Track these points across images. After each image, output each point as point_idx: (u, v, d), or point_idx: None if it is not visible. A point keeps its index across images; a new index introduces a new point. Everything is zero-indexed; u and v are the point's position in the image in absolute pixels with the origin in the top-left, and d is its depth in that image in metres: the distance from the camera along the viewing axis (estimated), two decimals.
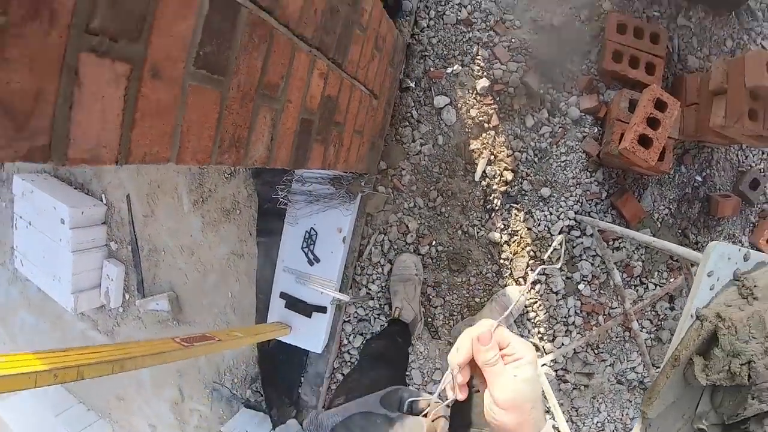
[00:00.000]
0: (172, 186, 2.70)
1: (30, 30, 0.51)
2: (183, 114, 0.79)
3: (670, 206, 2.18)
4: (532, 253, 2.13)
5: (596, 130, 2.12)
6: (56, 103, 0.56)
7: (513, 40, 2.14)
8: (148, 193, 2.77)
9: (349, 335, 2.30)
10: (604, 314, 2.20)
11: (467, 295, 2.21)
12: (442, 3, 2.17)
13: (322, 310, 2.09)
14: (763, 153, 2.24)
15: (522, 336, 2.06)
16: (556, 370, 2.23)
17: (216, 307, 2.59)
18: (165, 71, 0.72)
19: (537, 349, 2.19)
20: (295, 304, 2.12)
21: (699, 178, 2.19)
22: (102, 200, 2.95)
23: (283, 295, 2.15)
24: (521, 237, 2.14)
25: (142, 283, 2.85)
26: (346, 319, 2.29)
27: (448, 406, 0.86)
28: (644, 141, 1.77)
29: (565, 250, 2.10)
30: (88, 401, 3.22)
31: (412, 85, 2.15)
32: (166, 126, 0.76)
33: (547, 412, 1.98)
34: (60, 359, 1.10)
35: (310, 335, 2.14)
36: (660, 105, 1.79)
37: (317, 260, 2.09)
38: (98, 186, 2.99)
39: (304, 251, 2.10)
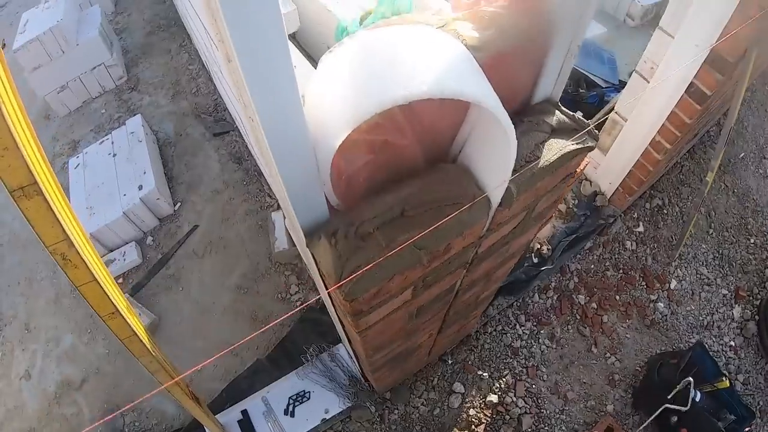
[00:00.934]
0: (235, 259, 3.02)
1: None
2: (394, 321, 1.23)
3: None
4: None
5: None
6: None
7: (534, 386, 2.60)
8: (213, 242, 3.09)
9: None
10: None
11: None
12: (510, 326, 2.67)
13: None
14: None
15: None
16: None
17: (178, 364, 2.71)
18: (398, 301, 1.13)
19: None
20: (246, 426, 2.39)
21: None
22: (174, 206, 3.25)
23: (244, 413, 2.42)
24: None
25: (140, 287, 3.01)
26: None
27: None
28: None
29: None
30: None
31: (449, 361, 2.58)
32: (386, 318, 1.16)
33: None
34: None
35: None
36: None
37: (292, 415, 2.40)
38: (183, 193, 3.31)
39: (290, 400, 2.42)
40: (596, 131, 1.05)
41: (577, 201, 2.94)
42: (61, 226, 0.78)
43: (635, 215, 3.07)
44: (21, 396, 2.83)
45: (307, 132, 0.69)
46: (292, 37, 1.69)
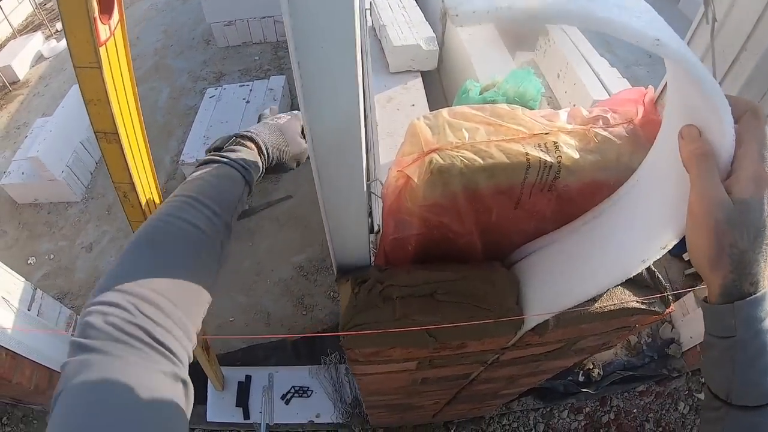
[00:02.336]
0: (309, 242, 3.10)
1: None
2: (394, 379, 1.19)
3: None
4: None
5: None
6: None
7: None
8: (297, 217, 3.18)
9: None
10: None
11: None
12: (526, 429, 2.58)
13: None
14: None
15: None
16: None
17: (214, 306, 2.88)
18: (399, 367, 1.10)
19: None
20: (243, 390, 2.45)
21: None
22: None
23: (247, 378, 2.48)
24: None
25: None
26: None
27: None
28: None
29: None
30: None
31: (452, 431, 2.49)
32: (385, 374, 1.13)
33: None
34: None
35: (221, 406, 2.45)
36: None
37: (287, 403, 2.45)
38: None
39: (292, 389, 2.47)
40: (669, 298, 0.97)
41: (650, 340, 2.74)
42: (129, 172, 0.85)
43: (702, 380, 2.81)
44: (75, 262, 3.09)
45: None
46: (437, 71, 1.71)
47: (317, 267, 2.97)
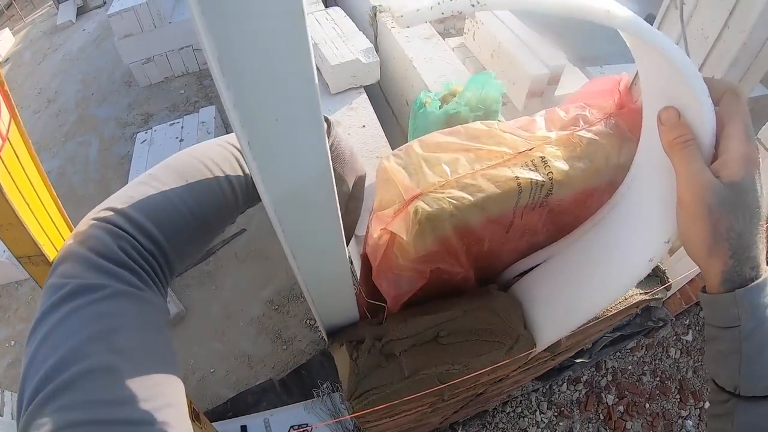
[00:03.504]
0: (274, 272, 2.98)
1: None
2: (404, 419, 1.13)
3: None
4: None
5: None
6: None
7: None
8: (256, 250, 3.06)
9: None
10: None
11: None
12: (530, 411, 2.56)
13: None
14: None
15: None
16: None
17: (193, 361, 2.71)
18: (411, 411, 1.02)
19: None
20: None
21: None
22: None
23: (243, 428, 2.35)
24: None
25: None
26: None
27: None
28: None
29: None
30: None
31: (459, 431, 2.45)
32: (395, 420, 1.03)
33: None
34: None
35: None
36: None
37: None
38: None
39: (291, 429, 2.34)
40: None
41: None
42: None
43: (686, 322, 2.87)
44: None
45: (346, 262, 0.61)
46: (377, 84, 1.63)
47: (287, 297, 2.86)
